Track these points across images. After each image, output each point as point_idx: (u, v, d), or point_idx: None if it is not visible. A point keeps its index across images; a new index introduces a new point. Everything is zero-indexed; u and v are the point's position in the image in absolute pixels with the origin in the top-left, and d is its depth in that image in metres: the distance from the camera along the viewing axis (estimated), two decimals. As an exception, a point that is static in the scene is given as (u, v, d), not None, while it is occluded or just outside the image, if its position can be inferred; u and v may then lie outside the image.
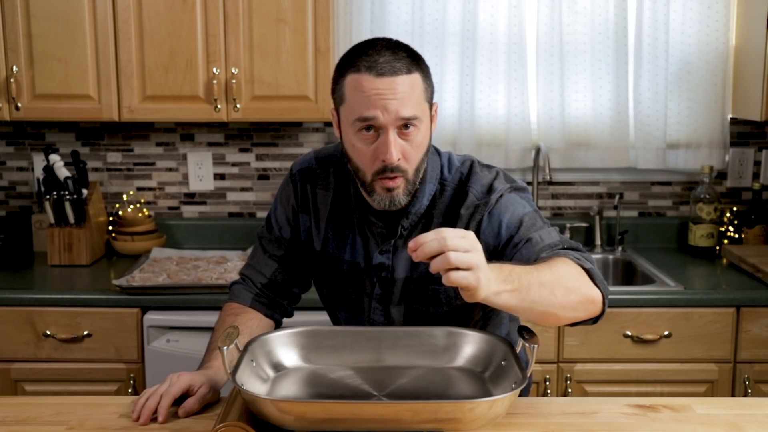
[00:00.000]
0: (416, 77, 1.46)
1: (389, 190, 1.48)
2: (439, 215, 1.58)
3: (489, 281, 1.22)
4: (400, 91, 1.43)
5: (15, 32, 2.57)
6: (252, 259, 1.73)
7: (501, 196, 1.55)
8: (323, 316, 1.79)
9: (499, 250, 1.54)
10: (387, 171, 1.46)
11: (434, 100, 1.55)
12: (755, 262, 2.57)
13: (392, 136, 1.44)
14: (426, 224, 1.58)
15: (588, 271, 1.41)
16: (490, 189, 1.56)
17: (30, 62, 2.59)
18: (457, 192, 1.58)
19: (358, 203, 1.59)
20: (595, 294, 1.40)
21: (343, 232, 1.62)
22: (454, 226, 1.54)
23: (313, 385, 1.42)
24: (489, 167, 1.62)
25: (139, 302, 2.41)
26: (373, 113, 1.43)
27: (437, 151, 1.63)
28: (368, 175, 1.49)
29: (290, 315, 1.74)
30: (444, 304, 1.59)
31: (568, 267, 1.39)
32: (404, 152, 1.46)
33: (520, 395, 1.55)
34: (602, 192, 3.02)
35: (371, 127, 1.45)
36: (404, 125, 1.45)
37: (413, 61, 1.47)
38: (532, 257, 1.47)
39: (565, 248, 1.48)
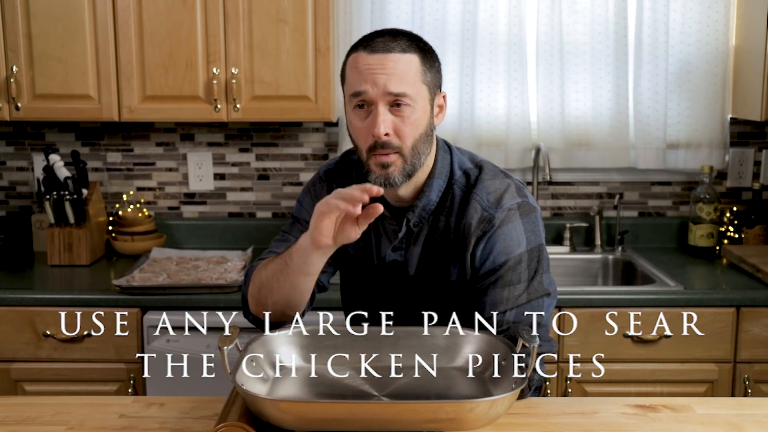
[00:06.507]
0: (412, 58, 1.49)
1: (384, 166, 1.49)
2: (446, 218, 1.58)
3: None
4: (391, 67, 1.46)
5: (15, 32, 2.57)
6: (272, 245, 1.71)
7: (506, 218, 1.55)
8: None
9: (478, 276, 1.57)
10: (378, 147, 1.47)
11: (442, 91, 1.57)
12: (755, 262, 2.57)
13: (381, 110, 1.46)
14: (434, 222, 1.59)
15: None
16: (498, 202, 1.56)
17: (30, 62, 2.59)
18: (465, 195, 1.58)
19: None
20: None
21: None
22: (465, 239, 1.56)
23: (313, 385, 1.42)
24: (505, 174, 1.61)
25: (139, 302, 2.41)
26: (364, 87, 1.46)
27: (449, 148, 1.63)
28: (363, 152, 1.51)
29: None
30: (452, 283, 1.61)
31: None
32: (396, 128, 1.48)
33: (532, 395, 1.55)
34: (602, 192, 3.02)
35: (364, 104, 1.48)
36: (396, 102, 1.47)
37: (413, 44, 1.50)
38: (485, 311, 1.53)
39: (507, 333, 1.50)
